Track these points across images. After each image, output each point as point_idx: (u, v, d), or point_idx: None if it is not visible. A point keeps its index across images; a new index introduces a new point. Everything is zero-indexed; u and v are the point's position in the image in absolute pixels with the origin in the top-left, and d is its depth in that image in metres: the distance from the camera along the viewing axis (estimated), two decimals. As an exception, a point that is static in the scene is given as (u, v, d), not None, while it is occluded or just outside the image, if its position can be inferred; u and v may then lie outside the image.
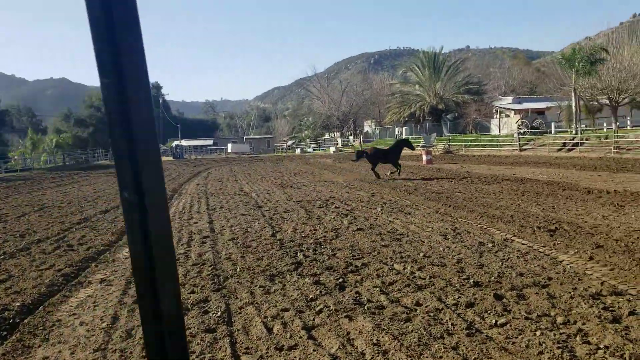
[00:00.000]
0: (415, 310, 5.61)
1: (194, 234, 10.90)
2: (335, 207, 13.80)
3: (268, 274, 7.39)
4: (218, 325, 5.51)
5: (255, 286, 6.84)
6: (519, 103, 64.30)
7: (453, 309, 5.57)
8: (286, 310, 5.84)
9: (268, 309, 5.93)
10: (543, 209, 12.28)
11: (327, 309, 5.77)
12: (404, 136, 60.34)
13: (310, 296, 6.27)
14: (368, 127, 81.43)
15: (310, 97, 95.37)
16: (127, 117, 0.94)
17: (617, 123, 42.64)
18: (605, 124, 46.75)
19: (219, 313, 5.84)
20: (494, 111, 64.04)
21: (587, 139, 37.69)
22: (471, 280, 6.50)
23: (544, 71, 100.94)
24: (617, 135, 34.19)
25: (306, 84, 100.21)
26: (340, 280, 6.87)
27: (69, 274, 7.91)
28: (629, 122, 47.24)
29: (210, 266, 8.00)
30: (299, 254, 8.53)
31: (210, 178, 27.73)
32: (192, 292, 6.72)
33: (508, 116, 61.83)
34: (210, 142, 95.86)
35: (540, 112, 59.01)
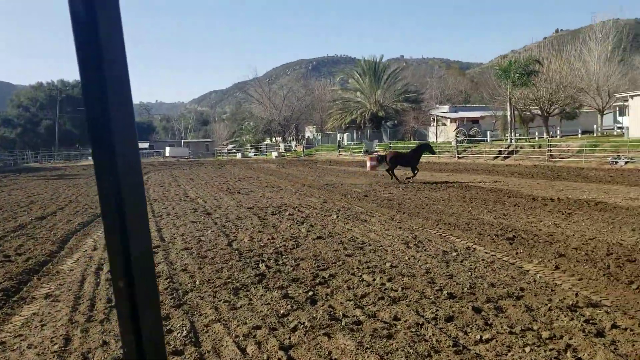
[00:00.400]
0: (395, 325, 5.38)
1: (143, 243, 10.26)
2: (289, 214, 13.47)
3: (231, 287, 6.97)
4: (185, 346, 5.06)
5: (219, 301, 6.42)
6: (454, 112, 66.29)
7: (433, 323, 5.38)
8: (258, 327, 5.47)
9: (238, 326, 5.53)
10: (495, 216, 12.44)
11: (302, 326, 5.44)
12: (345, 142, 60.72)
13: (282, 311, 5.92)
14: (309, 132, 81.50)
15: (249, 101, 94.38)
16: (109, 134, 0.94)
17: (551, 133, 44.56)
18: (537, 133, 48.84)
19: (184, 332, 5.39)
20: (432, 119, 65.71)
21: (521, 148, 39.18)
22: (445, 292, 6.35)
23: (477, 81, 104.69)
24: (550, 144, 35.67)
25: (246, 88, 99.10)
26: (310, 293, 6.55)
27: (8, 289, 7.17)
28: (558, 132, 49.50)
29: (166, 279, 7.48)
30: (260, 264, 8.14)
31: (151, 183, 26.70)
32: (151, 308, 6.21)
33: (445, 124, 63.56)
34: (146, 145, 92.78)
35: (474, 121, 61.04)
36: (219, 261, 8.48)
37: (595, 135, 47.86)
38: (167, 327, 5.54)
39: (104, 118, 0.92)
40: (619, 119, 58.46)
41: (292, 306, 6.08)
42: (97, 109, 0.92)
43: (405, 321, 5.46)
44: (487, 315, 5.55)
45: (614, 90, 52.30)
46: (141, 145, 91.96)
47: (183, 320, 5.76)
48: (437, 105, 72.09)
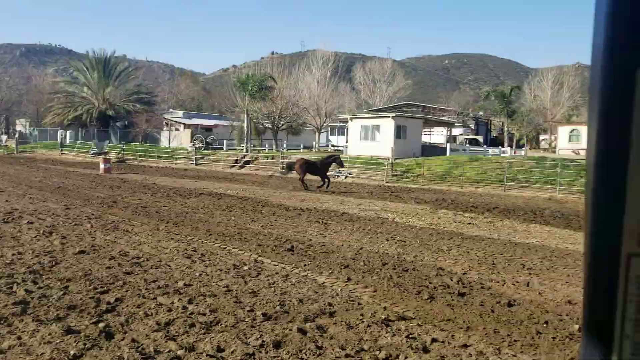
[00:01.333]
0: (224, 358, 4.67)
1: None
2: (29, 222, 11.18)
3: (-17, 323, 5.26)
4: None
5: (-29, 343, 4.76)
6: (189, 118, 65.95)
7: (264, 352, 4.83)
8: (46, 378, 4.16)
9: (15, 378, 4.13)
10: (262, 225, 12.40)
11: (109, 370, 4.33)
12: (68, 140, 54.89)
13: (72, 352, 4.63)
14: (22, 126, 71.36)
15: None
16: None
17: (283, 147, 47.59)
18: (267, 145, 51.74)
19: None
20: (165, 123, 64.10)
21: (256, 158, 40.88)
22: (258, 313, 5.85)
23: (210, 90, 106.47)
24: (282, 156, 38.00)
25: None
26: (101, 324, 5.32)
27: None
28: (285, 146, 53.26)
29: None
30: (16, 288, 6.39)
31: None
32: None
33: (178, 130, 62.67)
34: None
35: (208, 129, 61.69)
36: (-51, 286, 6.41)
37: (314, 150, 52.88)
38: None
39: None
40: (331, 137, 66.17)
41: (84, 344, 4.82)
42: None
43: (232, 352, 4.79)
44: (314, 337, 5.25)
45: (330, 112, 58.83)
46: None
47: None
48: (171, 110, 70.73)
